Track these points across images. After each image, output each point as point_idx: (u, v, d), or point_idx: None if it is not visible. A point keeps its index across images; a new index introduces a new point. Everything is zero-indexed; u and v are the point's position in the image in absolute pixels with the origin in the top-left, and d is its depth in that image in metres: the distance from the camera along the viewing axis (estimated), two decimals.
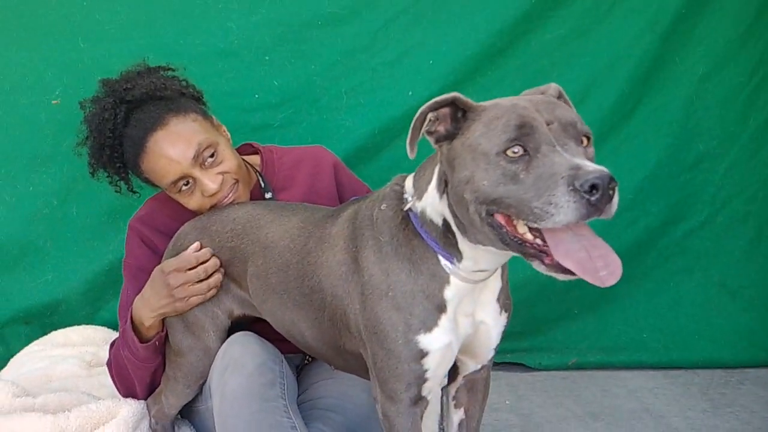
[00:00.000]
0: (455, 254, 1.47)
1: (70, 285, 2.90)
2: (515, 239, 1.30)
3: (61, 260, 2.90)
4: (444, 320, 1.51)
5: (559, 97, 1.46)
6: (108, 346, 2.14)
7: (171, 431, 2.11)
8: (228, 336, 1.95)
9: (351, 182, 2.30)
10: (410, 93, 2.90)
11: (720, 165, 3.05)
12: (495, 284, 1.60)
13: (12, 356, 2.72)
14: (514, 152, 1.25)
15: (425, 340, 1.50)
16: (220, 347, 1.92)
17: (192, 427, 2.19)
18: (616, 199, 1.19)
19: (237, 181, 2.03)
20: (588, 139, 1.33)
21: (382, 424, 1.62)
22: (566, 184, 1.17)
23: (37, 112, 2.81)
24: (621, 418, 2.60)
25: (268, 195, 2.14)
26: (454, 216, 1.42)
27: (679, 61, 3.00)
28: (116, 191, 2.16)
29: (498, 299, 1.61)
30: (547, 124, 1.29)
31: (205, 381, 1.99)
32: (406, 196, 1.56)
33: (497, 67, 2.94)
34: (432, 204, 1.48)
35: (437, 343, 1.51)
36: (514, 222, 1.30)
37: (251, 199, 2.12)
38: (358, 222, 1.63)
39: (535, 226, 1.24)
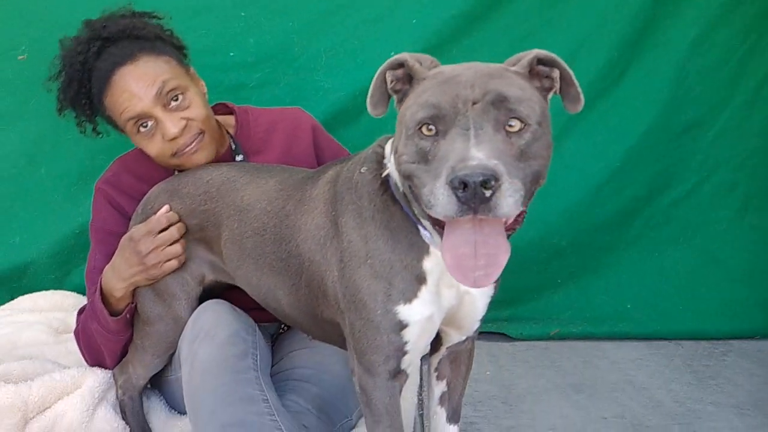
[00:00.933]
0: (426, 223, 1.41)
1: (38, 248, 2.80)
2: (431, 218, 1.28)
3: (29, 222, 2.80)
4: (424, 292, 1.44)
5: (548, 64, 1.34)
6: (76, 313, 2.06)
7: (139, 402, 2.02)
8: (199, 304, 1.86)
9: (330, 146, 2.21)
10: (392, 53, 2.77)
11: (708, 132, 2.98)
12: None
13: None
14: (429, 130, 1.22)
15: (405, 312, 1.43)
16: (190, 316, 1.83)
17: (161, 398, 2.12)
18: (502, 201, 1.12)
19: (203, 132, 1.94)
20: (522, 123, 1.22)
21: (359, 397, 1.56)
22: (446, 176, 1.13)
23: (3, 68, 2.69)
24: (603, 389, 2.56)
25: (239, 158, 2.06)
26: None
27: (670, 24, 2.91)
28: (81, 132, 2.05)
29: None
30: (473, 103, 1.21)
31: (175, 350, 1.91)
32: (385, 160, 1.48)
33: (481, 28, 2.83)
34: (394, 169, 1.41)
35: (417, 316, 1.44)
36: None
37: (221, 161, 2.03)
38: (338, 185, 1.56)
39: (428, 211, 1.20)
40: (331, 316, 1.61)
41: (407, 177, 1.26)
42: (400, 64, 1.36)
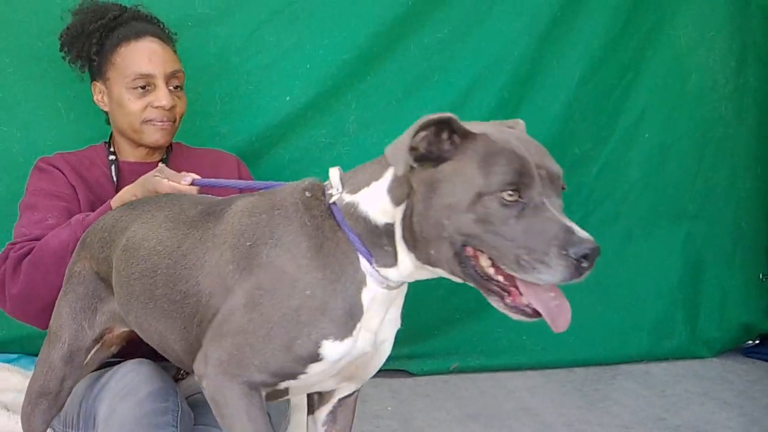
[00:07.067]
0: (383, 258, 1.38)
1: None
2: (481, 275, 1.29)
3: None
4: (355, 329, 1.39)
5: None
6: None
7: None
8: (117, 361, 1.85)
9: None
10: (288, 98, 2.83)
11: (593, 167, 3.13)
12: (399, 300, 1.50)
13: None
14: (510, 195, 1.23)
15: (327, 347, 1.37)
16: (65, 367, 1.77)
17: None
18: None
19: (176, 122, 2.22)
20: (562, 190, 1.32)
21: (212, 406, 1.43)
22: (558, 247, 1.20)
23: None
24: (498, 417, 2.64)
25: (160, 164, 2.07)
26: (409, 230, 1.34)
27: (557, 64, 3.05)
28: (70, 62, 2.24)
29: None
30: (538, 171, 1.26)
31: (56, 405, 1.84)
32: (330, 191, 1.44)
33: (376, 71, 2.90)
34: (373, 202, 1.39)
35: (336, 353, 1.38)
36: (480, 258, 1.28)
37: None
38: (261, 215, 1.48)
39: (512, 273, 1.25)
40: None
41: (470, 236, 1.26)
42: (444, 122, 1.29)
